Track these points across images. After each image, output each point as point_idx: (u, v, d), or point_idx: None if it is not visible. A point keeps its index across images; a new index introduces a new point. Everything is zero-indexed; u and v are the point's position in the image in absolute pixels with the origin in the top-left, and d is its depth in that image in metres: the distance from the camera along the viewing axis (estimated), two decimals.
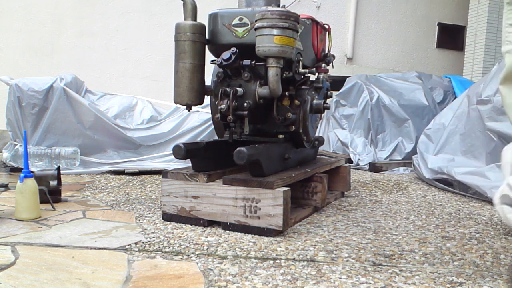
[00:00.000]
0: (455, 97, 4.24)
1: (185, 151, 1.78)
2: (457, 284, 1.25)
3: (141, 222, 1.87)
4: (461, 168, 2.63)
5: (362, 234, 1.74)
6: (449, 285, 1.24)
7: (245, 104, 1.84)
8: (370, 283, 1.24)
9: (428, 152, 3.04)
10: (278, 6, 2.06)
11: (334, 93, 4.53)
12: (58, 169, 2.28)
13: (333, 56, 2.43)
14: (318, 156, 2.58)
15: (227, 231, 1.74)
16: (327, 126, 4.31)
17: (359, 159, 3.71)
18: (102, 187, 2.69)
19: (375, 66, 5.67)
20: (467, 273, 1.35)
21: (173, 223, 1.86)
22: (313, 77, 2.27)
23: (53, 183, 2.21)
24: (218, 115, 1.86)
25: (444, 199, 2.48)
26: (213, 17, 1.94)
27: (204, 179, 1.82)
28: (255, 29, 1.75)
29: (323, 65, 2.32)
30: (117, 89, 4.52)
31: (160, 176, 3.17)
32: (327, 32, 2.42)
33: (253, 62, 1.84)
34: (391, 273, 1.33)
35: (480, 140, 2.72)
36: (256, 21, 1.74)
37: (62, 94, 3.38)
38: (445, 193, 2.66)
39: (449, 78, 4.44)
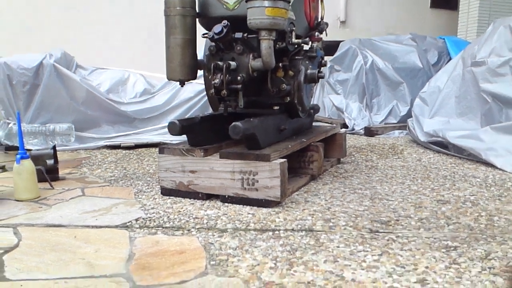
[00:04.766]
0: (450, 58, 4.20)
1: (180, 127, 1.78)
2: (452, 248, 1.28)
3: (140, 198, 1.88)
4: (456, 131, 2.64)
5: (359, 201, 1.77)
6: (444, 250, 1.27)
7: (239, 77, 1.82)
8: (368, 251, 1.27)
9: (423, 116, 3.05)
10: None
11: (328, 58, 4.48)
12: (54, 147, 2.27)
13: (326, 24, 2.39)
14: (314, 124, 2.59)
15: (226, 204, 1.76)
16: (322, 92, 4.30)
17: (354, 124, 3.72)
18: (99, 163, 2.69)
19: (369, 29, 5.60)
20: (462, 237, 1.38)
21: (172, 197, 1.88)
22: (306, 47, 2.24)
23: (50, 162, 2.21)
24: (212, 90, 1.85)
25: (439, 162, 2.50)
26: None
27: (200, 153, 1.83)
28: (246, 1, 1.71)
29: (316, 33, 2.29)
30: (107, 62, 4.43)
31: (157, 149, 3.18)
32: (320, 0, 2.37)
33: (245, 35, 1.81)
34: (388, 240, 1.36)
35: (474, 102, 2.73)
36: None
37: (53, 70, 3.33)
38: (440, 156, 2.69)
39: (444, 39, 4.40)
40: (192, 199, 1.84)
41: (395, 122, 3.72)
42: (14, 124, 3.36)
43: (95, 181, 2.22)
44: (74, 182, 2.21)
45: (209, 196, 1.84)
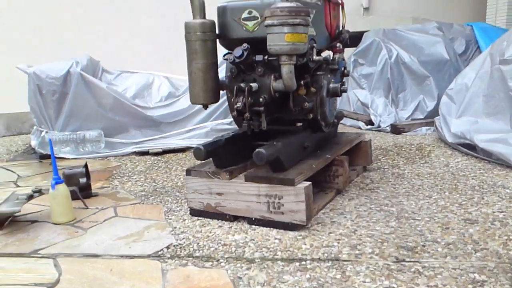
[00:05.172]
0: (478, 47, 4.09)
1: (205, 152, 1.82)
2: (479, 284, 1.29)
3: (170, 219, 1.94)
4: (484, 134, 2.59)
5: (385, 222, 1.78)
6: (470, 286, 1.28)
7: (261, 99, 1.84)
8: (393, 287, 1.29)
9: (450, 115, 2.99)
10: None
11: (351, 49, 4.41)
12: (86, 165, 2.35)
13: (348, 32, 2.36)
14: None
15: (253, 226, 1.80)
16: (347, 85, 4.24)
17: (380, 121, 3.68)
18: (129, 173, 2.77)
19: (394, 15, 5.45)
20: (489, 267, 1.38)
21: (201, 218, 1.93)
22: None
23: (83, 180, 2.29)
24: (235, 112, 1.87)
25: (467, 168, 2.47)
26: (222, 11, 1.90)
27: (226, 176, 1.86)
28: (265, 26, 1.71)
29: (338, 44, 2.26)
30: (131, 63, 4.47)
31: (184, 155, 3.25)
32: (341, 7, 2.34)
33: (266, 57, 1.82)
34: (414, 272, 1.37)
35: (503, 102, 2.66)
36: (265, 17, 1.70)
37: (80, 79, 3.41)
38: (468, 159, 2.64)
39: (471, 26, 4.26)
40: (219, 220, 1.89)
41: (422, 117, 3.67)
42: (47, 132, 3.48)
43: (126, 197, 2.30)
44: (106, 199, 2.29)
45: (236, 217, 1.89)
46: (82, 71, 3.44)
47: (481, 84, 2.88)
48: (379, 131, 3.67)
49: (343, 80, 2.35)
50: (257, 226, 1.80)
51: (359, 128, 3.81)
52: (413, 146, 3.07)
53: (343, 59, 2.30)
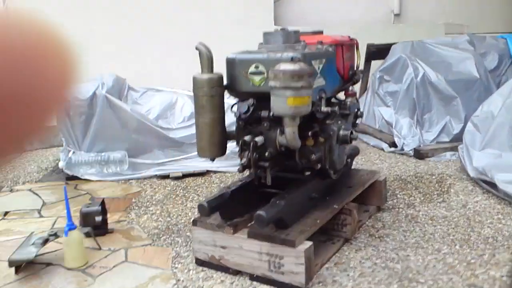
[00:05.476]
0: None
1: (209, 209, 1.84)
2: None
3: (176, 267, 1.99)
4: (505, 174, 2.48)
5: (387, 284, 1.75)
6: None
7: (267, 153, 1.84)
8: None
9: (474, 146, 2.88)
10: (297, 41, 1.97)
11: (378, 62, 4.29)
12: (103, 202, 2.43)
13: (361, 71, 2.31)
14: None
15: (254, 283, 1.82)
16: (372, 100, 4.14)
17: (403, 144, 3.59)
18: (147, 203, 2.84)
19: (425, 21, 5.23)
20: None
21: (205, 270, 1.96)
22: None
23: (98, 218, 2.37)
24: (240, 167, 1.88)
25: (485, 211, 2.38)
26: (231, 63, 1.90)
27: (230, 231, 1.88)
28: (269, 86, 1.70)
29: (351, 88, 2.22)
30: (157, 77, 4.52)
31: (203, 180, 3.29)
32: (355, 47, 2.29)
33: (272, 114, 1.81)
34: None
35: None
36: (269, 77, 1.69)
37: (105, 101, 3.51)
38: (488, 198, 2.54)
39: (505, 38, 4.05)
40: (223, 273, 1.92)
41: (448, 140, 3.54)
42: (74, 152, 3.61)
43: (139, 236, 2.36)
44: (120, 237, 2.36)
45: (239, 271, 1.90)
46: (108, 93, 3.54)
47: (508, 114, 2.76)
48: (402, 154, 3.57)
49: (357, 122, 2.31)
50: (258, 283, 1.82)
51: (382, 149, 3.73)
52: (433, 177, 2.98)
53: (357, 100, 2.25)
